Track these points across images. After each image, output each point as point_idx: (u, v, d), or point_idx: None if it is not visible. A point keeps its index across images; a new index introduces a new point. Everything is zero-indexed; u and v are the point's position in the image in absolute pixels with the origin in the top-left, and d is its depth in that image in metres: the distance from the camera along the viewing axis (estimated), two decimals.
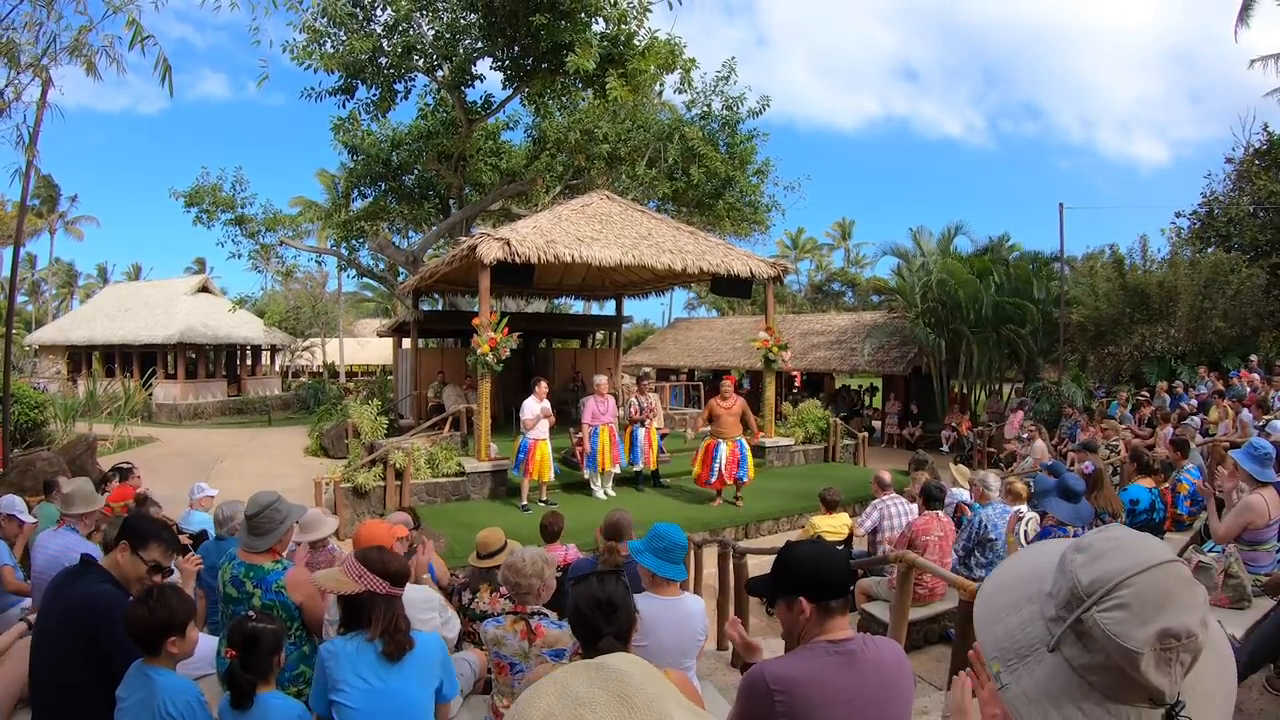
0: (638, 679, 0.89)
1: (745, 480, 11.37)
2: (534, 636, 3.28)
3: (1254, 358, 14.96)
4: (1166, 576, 0.92)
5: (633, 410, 11.93)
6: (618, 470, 11.79)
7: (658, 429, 12.29)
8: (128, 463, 7.75)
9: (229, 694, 2.59)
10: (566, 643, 3.19)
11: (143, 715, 2.59)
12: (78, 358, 30.82)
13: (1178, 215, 21.34)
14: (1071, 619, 0.93)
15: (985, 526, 6.26)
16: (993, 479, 6.78)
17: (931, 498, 6.30)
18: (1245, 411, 11.14)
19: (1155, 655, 0.89)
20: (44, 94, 7.42)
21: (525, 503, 11.03)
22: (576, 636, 2.37)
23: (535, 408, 10.83)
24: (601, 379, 11.84)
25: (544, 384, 11.21)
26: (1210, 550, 5.26)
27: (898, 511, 7.09)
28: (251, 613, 2.77)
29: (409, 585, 3.78)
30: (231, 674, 2.61)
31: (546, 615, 3.46)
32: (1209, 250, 18.69)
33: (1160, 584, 0.91)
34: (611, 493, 11.81)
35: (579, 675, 0.89)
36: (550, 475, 11.15)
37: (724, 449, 11.14)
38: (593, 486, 11.76)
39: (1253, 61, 21.13)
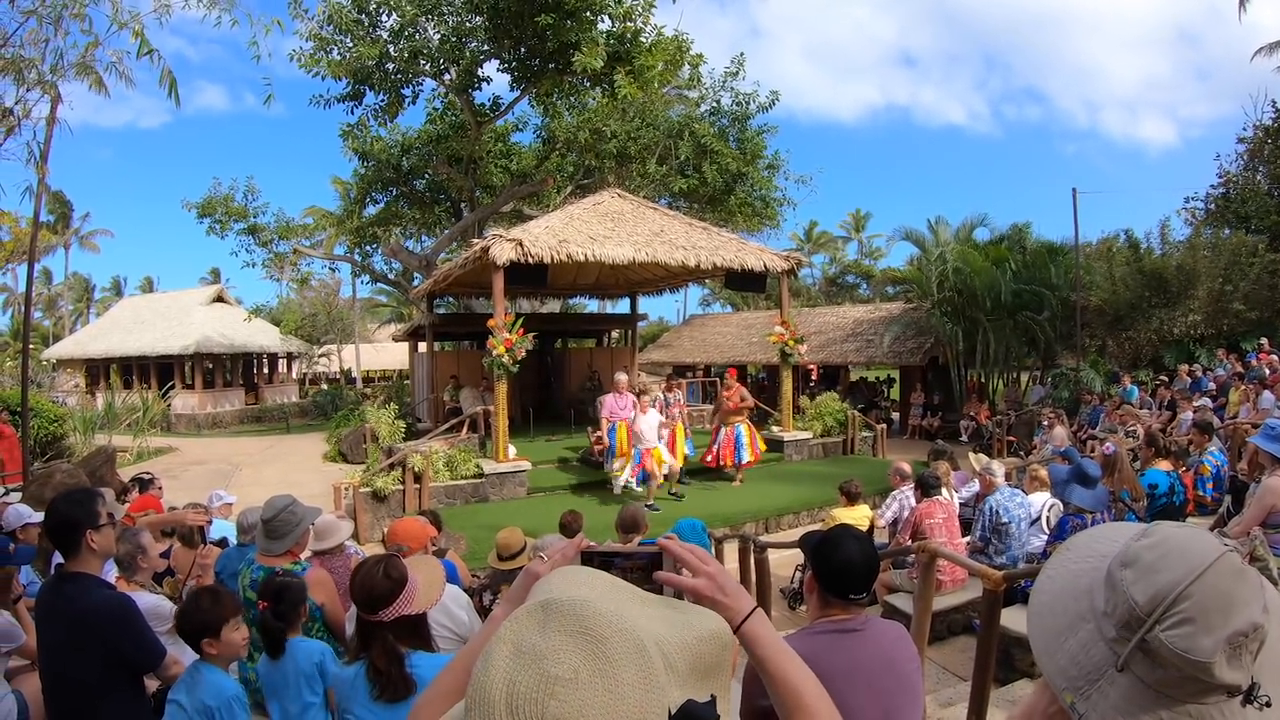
0: (592, 603, 0.79)
1: (744, 462, 12.40)
2: None
3: (1263, 340, 14.68)
4: (1220, 577, 0.88)
5: (658, 406, 12.05)
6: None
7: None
8: (148, 473, 7.77)
9: (264, 645, 2.93)
10: None
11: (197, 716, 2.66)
12: (95, 371, 31.12)
13: (1188, 200, 21.17)
14: (1135, 639, 0.89)
15: (997, 512, 6.28)
16: (996, 465, 6.87)
17: (928, 486, 6.43)
18: (1266, 394, 10.95)
19: (1226, 655, 0.86)
20: (53, 110, 7.41)
21: (651, 500, 11.01)
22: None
23: (613, 404, 11.52)
24: (621, 376, 11.99)
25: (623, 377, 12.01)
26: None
27: None
28: (279, 569, 3.07)
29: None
30: (264, 623, 2.93)
31: None
32: (1226, 232, 18.47)
33: (1218, 588, 0.88)
34: (638, 489, 11.71)
35: (528, 624, 0.78)
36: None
37: (722, 433, 12.46)
38: (612, 481, 11.68)
39: (1256, 52, 21.06)
